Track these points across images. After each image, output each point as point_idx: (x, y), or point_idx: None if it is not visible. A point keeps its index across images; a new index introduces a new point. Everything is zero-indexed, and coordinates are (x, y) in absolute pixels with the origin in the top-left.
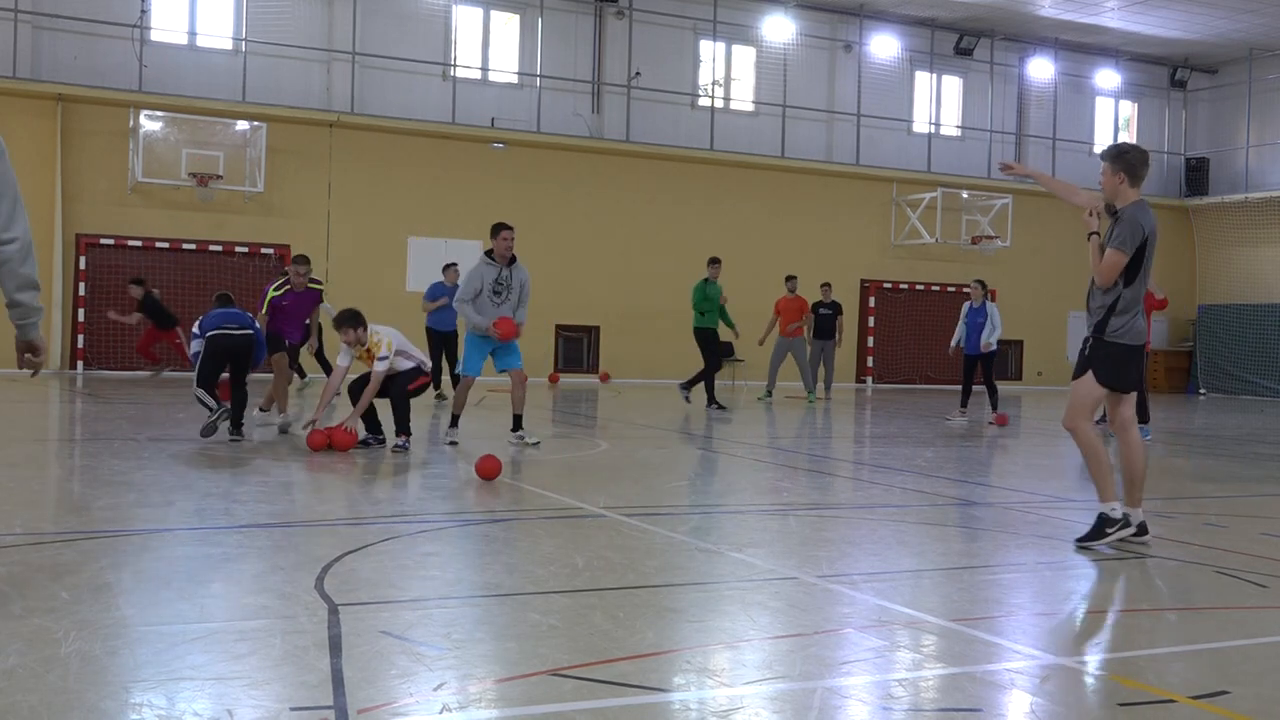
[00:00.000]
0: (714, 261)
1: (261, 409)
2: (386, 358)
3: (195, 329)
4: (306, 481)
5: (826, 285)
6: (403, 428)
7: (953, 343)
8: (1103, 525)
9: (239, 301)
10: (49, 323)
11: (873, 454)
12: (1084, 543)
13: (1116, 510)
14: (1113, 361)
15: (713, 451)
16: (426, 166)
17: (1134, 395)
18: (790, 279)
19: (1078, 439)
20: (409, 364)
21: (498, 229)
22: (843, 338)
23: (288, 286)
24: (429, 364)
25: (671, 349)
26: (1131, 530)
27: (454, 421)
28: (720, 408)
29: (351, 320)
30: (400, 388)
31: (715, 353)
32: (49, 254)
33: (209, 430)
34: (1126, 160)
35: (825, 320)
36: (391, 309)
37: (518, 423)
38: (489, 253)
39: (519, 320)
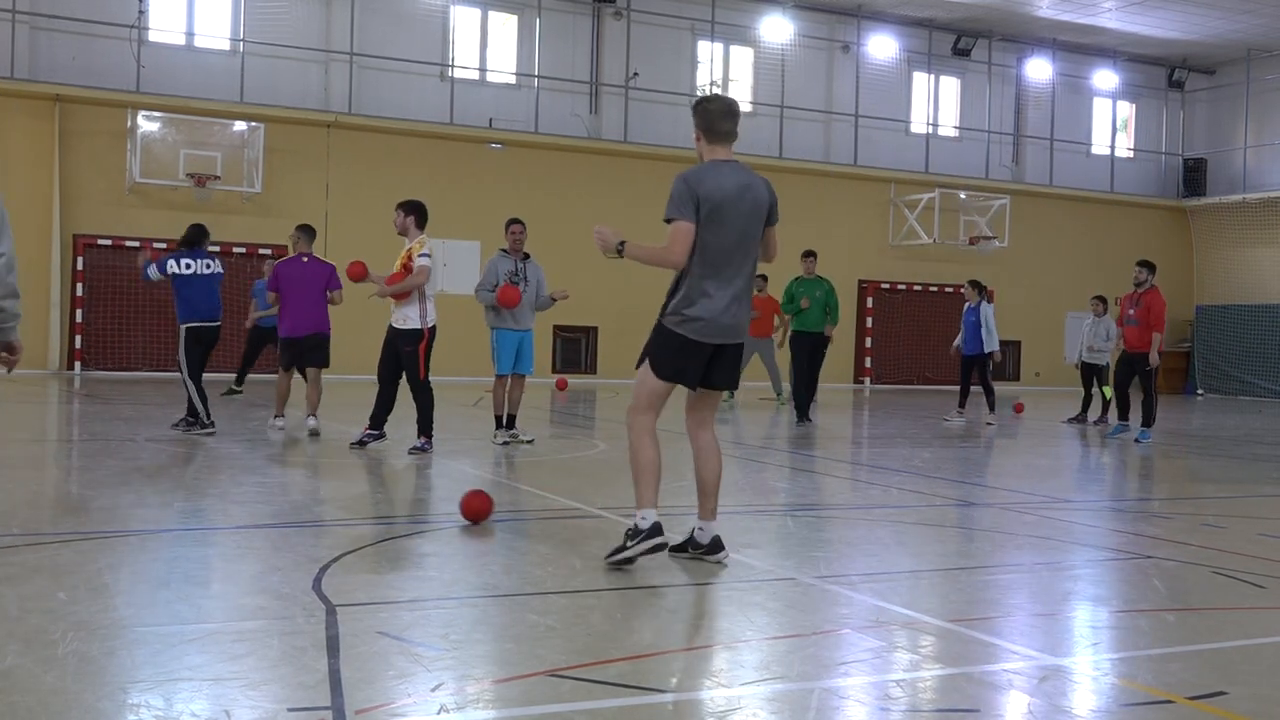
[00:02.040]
0: (809, 255)
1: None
2: (427, 255)
3: (169, 263)
4: (304, 482)
5: None
6: (425, 429)
7: (955, 344)
8: (626, 536)
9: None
10: (48, 323)
11: (870, 454)
12: (612, 559)
13: (647, 519)
14: (669, 350)
15: None
16: (424, 167)
17: (715, 394)
18: (759, 277)
19: (629, 435)
20: (414, 316)
21: (509, 224)
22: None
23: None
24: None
25: None
26: (701, 549)
27: (498, 423)
28: (803, 420)
29: (416, 209)
30: (413, 363)
31: (800, 362)
32: (47, 254)
33: (184, 427)
34: (699, 112)
35: None
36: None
37: (511, 421)
38: (504, 249)
39: (538, 307)
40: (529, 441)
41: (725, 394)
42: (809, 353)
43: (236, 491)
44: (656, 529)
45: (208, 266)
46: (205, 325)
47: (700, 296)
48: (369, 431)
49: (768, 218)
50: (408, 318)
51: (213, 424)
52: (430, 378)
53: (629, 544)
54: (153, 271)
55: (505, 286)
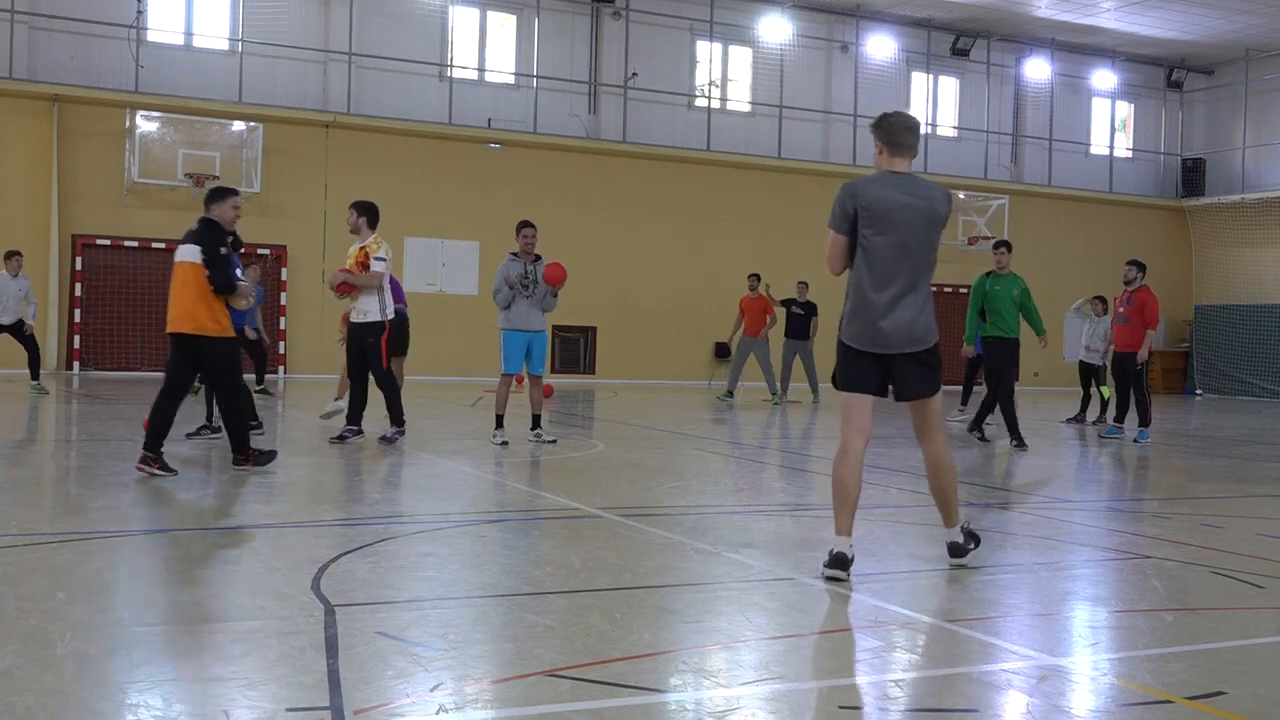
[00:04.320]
0: (1001, 246)
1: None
2: (384, 259)
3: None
4: (303, 482)
5: (803, 284)
6: (396, 418)
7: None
8: (967, 542)
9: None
10: (46, 323)
11: (869, 454)
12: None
13: (835, 548)
14: (840, 358)
15: (709, 452)
16: (423, 167)
17: (925, 404)
18: (752, 277)
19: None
20: (374, 310)
21: (519, 227)
22: (815, 337)
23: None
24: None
25: (668, 350)
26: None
27: (498, 422)
28: (1020, 445)
29: (368, 210)
30: (376, 355)
31: (1003, 373)
32: (45, 255)
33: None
34: (883, 127)
35: (799, 320)
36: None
37: (536, 421)
38: (514, 252)
39: (544, 308)
40: (552, 441)
41: (725, 394)
42: (1010, 360)
43: (235, 491)
44: (837, 560)
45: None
46: (238, 329)
47: (860, 305)
48: (348, 428)
49: (943, 224)
50: (367, 312)
51: (219, 427)
52: (428, 377)
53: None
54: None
55: (550, 265)
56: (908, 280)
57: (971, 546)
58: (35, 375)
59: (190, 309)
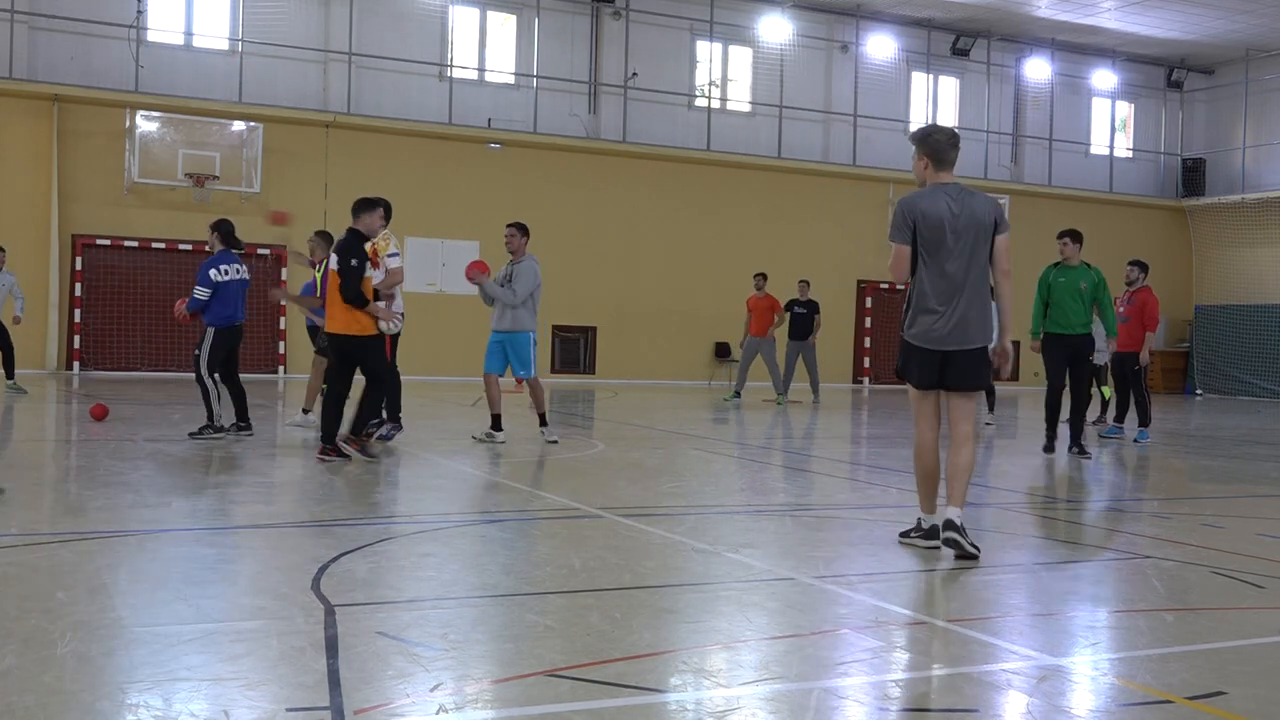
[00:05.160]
0: (1065, 236)
1: (305, 410)
2: (397, 254)
3: (211, 274)
4: (303, 482)
5: (804, 282)
6: (393, 414)
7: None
8: (917, 522)
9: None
10: (46, 323)
11: (869, 455)
12: (901, 536)
13: (926, 521)
14: (904, 357)
15: (709, 452)
16: (423, 167)
17: (965, 397)
18: (758, 276)
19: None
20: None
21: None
22: (817, 337)
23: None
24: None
25: (668, 350)
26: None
27: (494, 422)
28: (1084, 453)
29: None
30: (381, 355)
31: (1056, 372)
32: (45, 255)
33: (199, 434)
34: (929, 143)
35: (801, 319)
36: None
37: (542, 420)
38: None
39: (509, 295)
40: (553, 441)
41: (730, 394)
42: (1067, 360)
43: (235, 491)
44: (933, 531)
45: (238, 272)
46: (232, 327)
47: (921, 307)
48: (388, 425)
49: (995, 229)
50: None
51: (224, 426)
52: (428, 377)
53: (913, 534)
54: (201, 293)
55: (471, 265)
56: (962, 283)
57: (971, 549)
58: (10, 374)
59: (339, 312)
